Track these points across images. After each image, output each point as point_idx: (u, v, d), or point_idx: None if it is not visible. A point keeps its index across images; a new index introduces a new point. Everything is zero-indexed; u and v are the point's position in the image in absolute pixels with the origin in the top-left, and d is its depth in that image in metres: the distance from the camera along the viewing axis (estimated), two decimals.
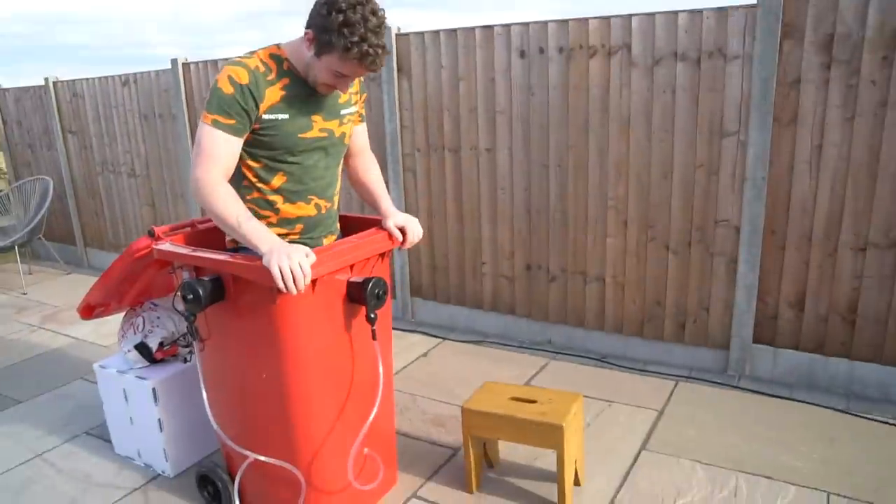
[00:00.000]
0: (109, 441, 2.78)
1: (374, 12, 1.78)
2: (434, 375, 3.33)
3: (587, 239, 3.39)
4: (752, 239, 2.99)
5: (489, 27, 3.38)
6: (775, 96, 2.81)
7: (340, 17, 1.73)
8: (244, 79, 1.84)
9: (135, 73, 4.94)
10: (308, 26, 1.83)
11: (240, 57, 1.90)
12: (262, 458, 1.97)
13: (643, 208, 3.21)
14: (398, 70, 3.71)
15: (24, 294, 5.18)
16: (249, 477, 2.19)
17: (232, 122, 1.84)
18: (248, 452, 1.98)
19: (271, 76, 1.89)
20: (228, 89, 1.83)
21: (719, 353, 3.22)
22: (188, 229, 2.29)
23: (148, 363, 2.55)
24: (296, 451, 2.00)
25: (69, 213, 5.89)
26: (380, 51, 1.79)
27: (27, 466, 2.69)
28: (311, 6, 1.83)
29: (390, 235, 2.08)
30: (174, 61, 4.62)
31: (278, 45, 1.96)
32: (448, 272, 3.90)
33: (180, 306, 1.87)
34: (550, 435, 2.15)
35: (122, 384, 2.53)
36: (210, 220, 2.34)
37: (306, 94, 1.95)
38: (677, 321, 3.28)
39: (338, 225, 2.25)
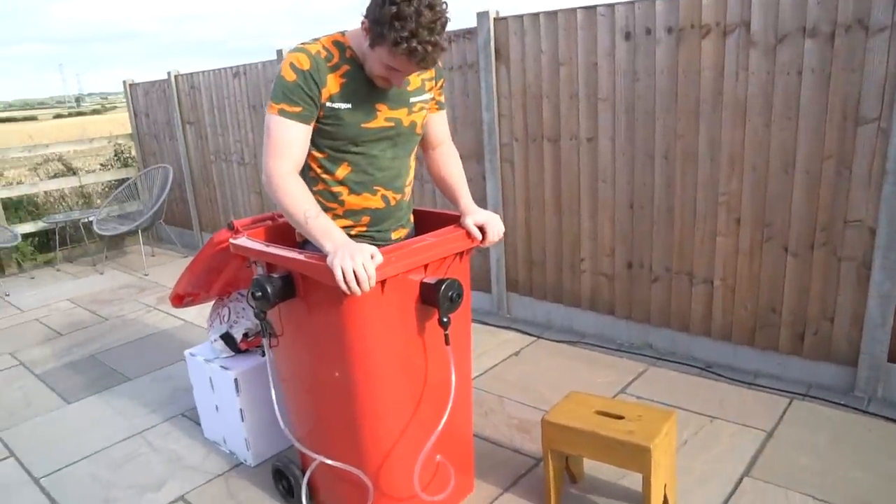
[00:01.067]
0: (200, 424, 2.87)
1: (432, 6, 1.66)
2: (524, 376, 3.18)
3: (695, 237, 3.10)
4: (892, 242, 2.60)
5: (591, 8, 3.15)
6: None
7: (393, 9, 1.64)
8: (305, 64, 1.78)
9: (244, 65, 5.10)
10: (365, 15, 1.75)
11: (303, 43, 1.84)
12: (328, 461, 1.92)
13: (759, 205, 2.88)
14: (496, 56, 3.56)
15: (146, 275, 5.53)
16: (321, 475, 2.16)
17: (298, 109, 1.79)
18: (314, 455, 1.94)
19: (333, 62, 1.83)
20: (291, 76, 1.78)
21: (844, 371, 2.85)
22: (269, 222, 2.28)
23: (233, 353, 2.58)
24: (364, 454, 1.94)
25: (187, 200, 6.23)
26: (430, 48, 1.67)
27: (128, 443, 2.83)
28: None
29: (469, 234, 1.95)
30: (279, 52, 4.72)
31: (343, 33, 1.88)
32: (545, 267, 3.72)
33: (252, 302, 1.85)
34: (637, 457, 1.95)
35: (209, 372, 2.59)
36: None
37: (368, 84, 1.87)
38: (795, 331, 2.93)
39: (411, 218, 2.15)
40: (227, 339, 2.55)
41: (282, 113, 1.79)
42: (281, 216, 2.28)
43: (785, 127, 2.74)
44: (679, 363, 3.21)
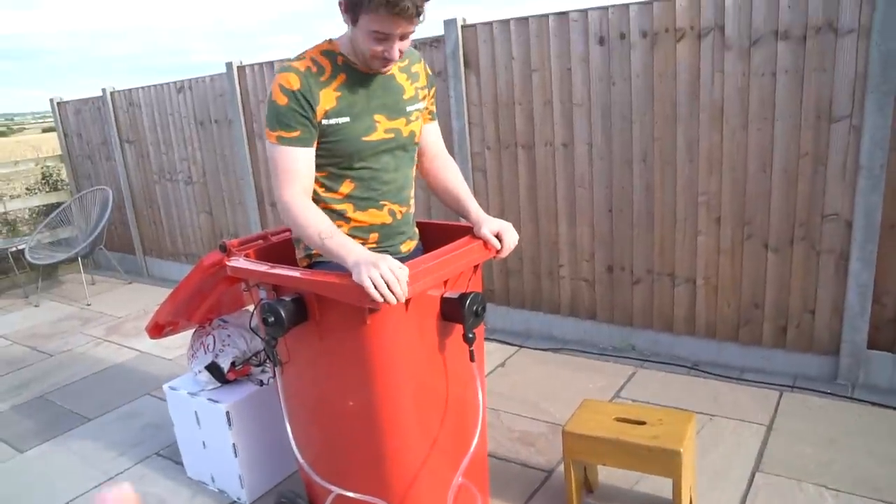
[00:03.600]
0: (181, 463, 2.66)
1: None
2: (515, 387, 3.12)
3: (676, 238, 3.13)
4: (868, 234, 2.69)
5: (564, 13, 3.15)
6: None
7: None
8: (295, 84, 1.69)
9: (189, 79, 4.86)
10: None
11: (290, 60, 1.74)
12: (349, 493, 1.79)
13: (738, 203, 2.94)
14: (465, 65, 3.51)
15: (89, 305, 5.17)
16: None
17: (296, 133, 1.70)
18: (333, 487, 1.81)
19: (325, 76, 1.74)
20: (282, 99, 1.69)
21: (827, 360, 2.92)
22: (261, 242, 2.14)
23: (220, 384, 2.41)
24: (387, 483, 1.83)
25: (128, 223, 5.89)
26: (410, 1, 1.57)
27: (99, 490, 2.59)
28: None
29: (486, 244, 1.87)
30: (229, 65, 4.53)
31: (330, 40, 1.80)
32: (522, 276, 3.69)
33: (260, 331, 1.71)
34: (667, 462, 1.92)
35: (194, 407, 2.40)
36: (284, 232, 2.18)
37: (366, 92, 1.79)
38: (777, 325, 3.00)
39: (416, 230, 2.06)
40: (214, 369, 2.38)
41: (280, 140, 1.71)
42: (275, 234, 2.15)
43: (761, 127, 2.80)
44: (665, 363, 3.23)
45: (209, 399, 2.34)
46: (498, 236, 1.89)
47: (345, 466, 1.90)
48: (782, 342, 3.01)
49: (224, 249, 2.01)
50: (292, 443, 1.82)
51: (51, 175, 6.57)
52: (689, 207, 3.06)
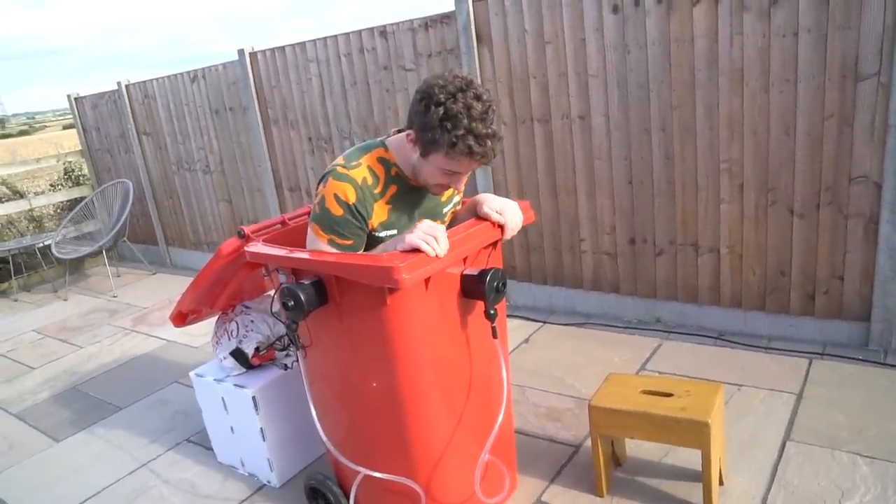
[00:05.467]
0: (211, 449, 2.70)
1: (478, 97, 1.61)
2: (540, 363, 3.11)
3: (698, 207, 3.08)
4: None
5: None
6: None
7: (441, 111, 1.58)
8: (351, 197, 1.71)
9: (203, 68, 4.86)
10: (408, 125, 1.69)
11: (345, 167, 1.74)
12: (376, 474, 1.80)
13: (762, 169, 2.87)
14: (477, 40, 3.46)
15: (115, 297, 5.25)
16: (364, 488, 2.04)
17: (349, 242, 1.75)
18: (361, 468, 1.82)
19: (378, 188, 1.76)
20: (337, 210, 1.71)
21: (858, 326, 2.87)
22: (279, 227, 2.14)
23: (245, 369, 2.43)
24: (413, 463, 1.83)
25: (150, 214, 5.95)
26: (489, 140, 1.61)
27: (134, 477, 2.64)
28: (410, 105, 1.69)
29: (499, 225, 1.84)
30: (241, 52, 4.52)
31: (385, 147, 1.80)
32: (544, 251, 3.65)
33: (281, 315, 1.71)
34: (695, 433, 1.90)
35: (221, 393, 2.43)
36: (302, 216, 2.18)
37: (413, 200, 1.83)
38: (805, 291, 2.94)
39: None
40: (238, 355, 2.39)
41: (332, 243, 1.75)
42: (293, 218, 2.15)
43: (784, 89, 2.73)
44: (691, 335, 3.19)
45: (235, 385, 2.36)
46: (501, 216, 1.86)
47: (371, 447, 1.91)
48: (811, 309, 2.95)
49: (242, 236, 2.01)
50: (318, 425, 1.82)
51: (73, 170, 6.65)
52: (710, 175, 3.00)
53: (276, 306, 1.79)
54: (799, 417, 2.43)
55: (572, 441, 2.47)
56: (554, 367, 3.06)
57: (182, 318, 2.43)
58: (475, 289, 1.74)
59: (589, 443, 2.43)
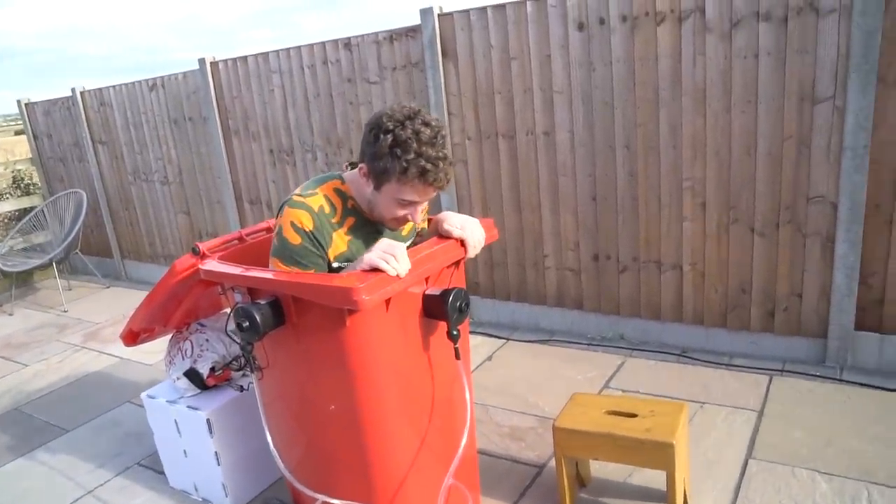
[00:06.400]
0: (163, 473, 2.59)
1: (426, 123, 1.60)
2: (503, 381, 3.08)
3: (661, 224, 3.09)
4: (853, 215, 2.67)
5: None
6: (880, 53, 2.47)
7: (389, 139, 1.57)
8: (308, 224, 1.67)
9: (162, 77, 4.74)
10: (360, 159, 1.67)
11: (301, 195, 1.71)
12: (334, 501, 1.74)
13: (723, 188, 2.90)
14: (443, 54, 3.44)
15: (65, 311, 5.05)
16: None
17: (311, 272, 1.69)
18: (319, 495, 1.75)
19: (335, 218, 1.72)
20: (295, 239, 1.67)
21: (815, 343, 2.91)
22: (236, 243, 2.06)
23: (199, 390, 2.34)
24: (373, 488, 1.77)
25: (104, 225, 5.76)
26: (441, 163, 1.60)
27: None
28: (361, 139, 1.68)
29: (460, 241, 1.80)
30: (202, 61, 4.42)
31: (342, 180, 1.77)
32: (507, 267, 3.63)
33: (236, 335, 1.64)
34: (660, 454, 1.88)
35: (174, 415, 2.33)
36: (259, 232, 2.11)
37: (372, 235, 1.78)
38: (765, 309, 2.97)
39: None
40: (193, 375, 2.30)
41: None
42: (250, 234, 2.08)
43: (745, 110, 2.76)
44: (654, 351, 3.20)
45: (189, 406, 2.27)
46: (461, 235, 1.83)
47: (330, 472, 1.84)
48: (770, 326, 2.98)
49: (197, 253, 1.93)
50: (272, 450, 1.75)
51: (22, 179, 6.41)
52: (673, 193, 3.02)
53: (232, 325, 1.72)
54: (760, 435, 2.44)
55: (536, 461, 2.44)
56: (517, 385, 3.03)
57: (133, 336, 2.33)
58: (438, 309, 1.69)
59: (553, 463, 2.39)
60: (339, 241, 1.72)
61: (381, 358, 1.64)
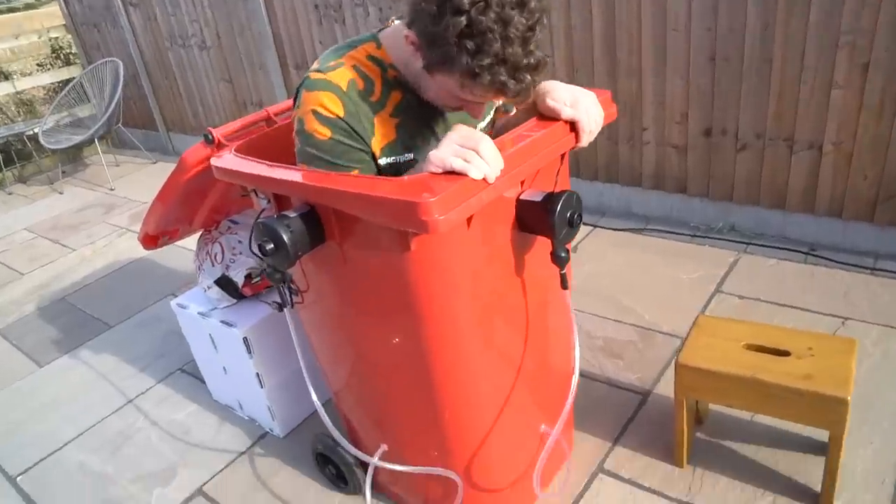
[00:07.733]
0: (206, 382, 2.30)
1: (523, 4, 0.99)
2: (591, 279, 2.61)
3: (800, 92, 2.43)
4: None
5: None
6: None
7: (461, 22, 0.97)
8: (338, 109, 1.14)
9: None
10: (409, 23, 1.08)
11: (321, 70, 1.17)
12: (399, 467, 1.36)
13: None
14: None
15: (112, 190, 4.79)
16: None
17: (354, 174, 1.19)
18: (380, 463, 1.38)
19: (374, 96, 1.17)
20: (323, 133, 1.15)
21: None
22: (262, 125, 1.59)
23: (235, 300, 1.97)
24: (447, 448, 1.38)
25: (146, 96, 5.35)
26: (529, 75, 1.03)
27: (120, 416, 2.28)
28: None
29: (570, 124, 1.26)
30: None
31: (377, 42, 1.21)
32: (595, 141, 3.04)
33: (258, 259, 1.21)
34: (825, 411, 1.42)
35: (207, 329, 1.98)
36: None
37: (429, 114, 1.24)
38: None
39: None
40: (225, 283, 1.92)
41: None
42: (279, 114, 1.59)
43: None
44: (774, 247, 2.65)
45: (222, 322, 1.91)
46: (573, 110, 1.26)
47: (389, 421, 1.47)
48: None
49: (210, 141, 1.47)
50: (316, 405, 1.37)
51: (61, 48, 5.97)
52: (823, 51, 2.32)
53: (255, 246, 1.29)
54: None
55: (638, 386, 2.02)
56: (608, 284, 2.57)
57: (152, 240, 1.94)
58: (539, 221, 1.20)
59: (659, 389, 1.98)
60: (383, 128, 1.21)
61: (457, 293, 1.18)
